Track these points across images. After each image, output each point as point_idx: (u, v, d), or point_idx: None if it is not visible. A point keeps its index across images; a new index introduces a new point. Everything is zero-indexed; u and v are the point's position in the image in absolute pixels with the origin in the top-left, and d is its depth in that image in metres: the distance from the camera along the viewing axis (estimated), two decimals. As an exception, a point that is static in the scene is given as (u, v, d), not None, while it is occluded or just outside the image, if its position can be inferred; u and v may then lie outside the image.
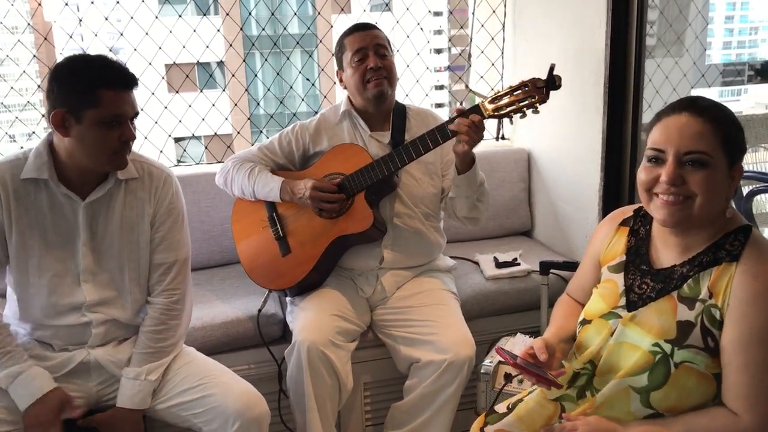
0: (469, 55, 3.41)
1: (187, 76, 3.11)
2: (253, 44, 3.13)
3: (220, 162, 3.05)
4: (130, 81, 1.78)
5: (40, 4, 3.11)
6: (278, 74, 3.32)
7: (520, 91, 2.05)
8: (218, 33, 3.14)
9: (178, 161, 3.75)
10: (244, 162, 2.37)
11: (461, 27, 3.72)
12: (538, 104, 2.04)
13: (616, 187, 2.58)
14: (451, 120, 2.09)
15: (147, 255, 1.94)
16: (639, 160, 2.51)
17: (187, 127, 3.08)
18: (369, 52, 2.27)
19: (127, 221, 1.90)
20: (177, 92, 3.00)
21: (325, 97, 3.45)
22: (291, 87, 3.32)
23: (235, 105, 3.48)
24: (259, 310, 2.34)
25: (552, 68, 2.02)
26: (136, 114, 1.82)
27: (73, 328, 1.88)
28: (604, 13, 2.43)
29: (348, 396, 2.23)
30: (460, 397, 2.20)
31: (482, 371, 2.20)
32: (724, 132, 1.36)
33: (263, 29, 3.14)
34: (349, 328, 2.24)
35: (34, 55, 3.05)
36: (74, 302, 1.87)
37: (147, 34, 2.93)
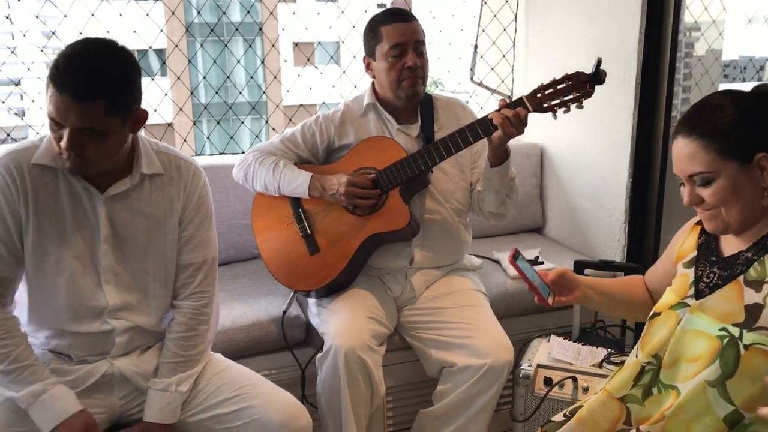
0: (476, 47, 3.32)
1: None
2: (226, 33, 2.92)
3: (223, 153, 2.88)
4: (77, 87, 1.46)
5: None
6: (215, 62, 3.04)
7: (563, 85, 1.97)
8: (155, 19, 2.91)
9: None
10: (267, 155, 2.21)
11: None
12: (583, 99, 1.96)
13: (645, 184, 2.52)
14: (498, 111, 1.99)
15: (174, 255, 1.77)
16: (670, 157, 2.47)
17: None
18: (408, 48, 2.13)
19: (153, 219, 1.73)
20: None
21: (264, 92, 3.26)
22: (228, 76, 3.11)
23: (193, 94, 3.26)
24: (284, 312, 2.20)
25: (599, 62, 1.93)
26: (86, 129, 1.49)
27: (94, 337, 1.71)
28: (638, 5, 2.37)
29: (379, 403, 2.12)
30: (494, 403, 2.11)
31: (521, 375, 2.12)
32: (720, 142, 1.35)
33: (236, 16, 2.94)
34: (381, 330, 2.13)
35: None
36: (95, 306, 1.69)
37: (65, 16, 2.69)
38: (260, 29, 3.31)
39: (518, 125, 1.96)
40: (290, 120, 2.91)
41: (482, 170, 2.21)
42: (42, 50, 2.93)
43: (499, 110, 1.99)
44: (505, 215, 2.25)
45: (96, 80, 1.47)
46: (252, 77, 3.12)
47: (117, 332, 1.72)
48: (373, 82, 2.26)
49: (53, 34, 2.76)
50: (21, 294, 1.71)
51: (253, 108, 3.16)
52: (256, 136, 2.97)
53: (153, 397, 1.70)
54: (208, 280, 1.82)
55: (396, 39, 2.13)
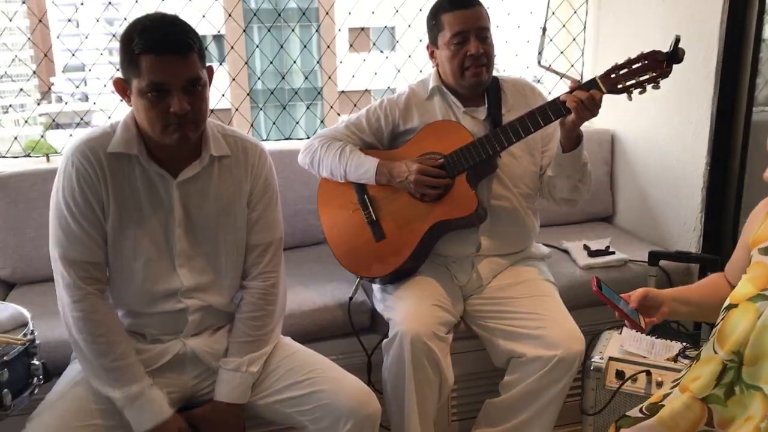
0: (544, 29, 3.23)
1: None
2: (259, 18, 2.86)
3: (289, 139, 2.89)
4: (177, 44, 1.51)
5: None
6: (282, 47, 3.02)
7: (639, 65, 1.90)
8: (214, 6, 2.87)
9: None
10: (333, 141, 2.21)
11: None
12: (660, 79, 1.88)
13: (724, 172, 2.41)
14: (569, 92, 1.93)
15: (244, 236, 1.79)
16: (752, 144, 2.36)
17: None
18: (470, 36, 2.07)
19: (223, 201, 1.75)
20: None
21: (329, 78, 3.23)
22: (294, 62, 3.09)
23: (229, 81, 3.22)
24: (350, 298, 2.20)
25: (677, 40, 1.85)
26: (192, 80, 1.54)
27: (168, 315, 1.74)
28: (722, -14, 2.26)
29: (449, 392, 2.09)
30: (563, 395, 2.06)
31: (592, 368, 2.07)
32: None
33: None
34: (448, 318, 2.10)
35: (29, 38, 2.82)
36: (170, 288, 1.72)
37: (137, 1, 2.69)
38: (324, 15, 3.29)
39: (592, 108, 1.90)
40: (355, 105, 2.90)
41: (553, 154, 2.15)
42: (114, 36, 2.96)
43: (571, 92, 1.93)
44: (578, 201, 2.19)
45: (185, 35, 1.54)
46: (318, 62, 3.11)
47: (190, 311, 1.75)
48: (437, 67, 2.23)
49: (125, 19, 2.79)
50: None
51: (319, 93, 3.14)
52: (322, 122, 2.97)
53: (224, 377, 1.73)
54: (275, 261, 1.84)
55: (457, 27, 2.07)
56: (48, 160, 2.67)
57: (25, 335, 1.66)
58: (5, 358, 1.55)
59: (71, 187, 1.63)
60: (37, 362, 1.66)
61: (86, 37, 2.69)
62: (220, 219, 1.75)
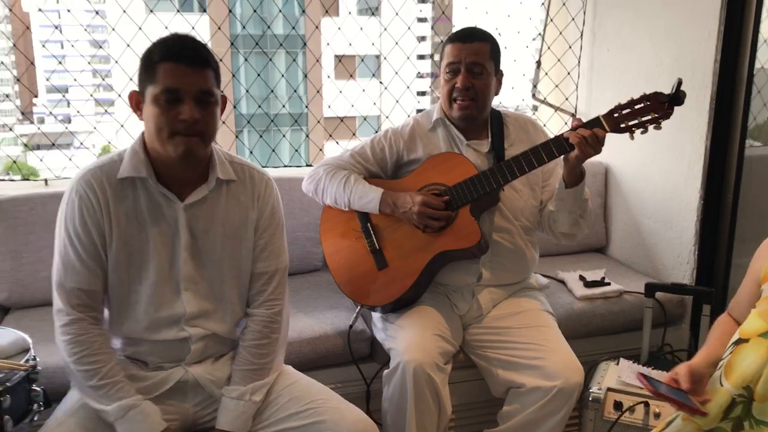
0: (539, 63, 3.30)
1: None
2: (257, 43, 2.91)
3: (288, 166, 2.91)
4: (194, 56, 1.58)
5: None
6: (283, 76, 3.05)
7: (641, 105, 1.94)
8: (204, 30, 2.88)
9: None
10: (338, 169, 2.23)
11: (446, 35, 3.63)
12: (661, 120, 1.93)
13: (717, 205, 2.46)
14: (572, 130, 1.97)
15: (249, 263, 1.80)
16: (745, 178, 2.42)
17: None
18: (461, 68, 2.12)
19: (229, 226, 1.76)
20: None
21: (329, 106, 3.27)
22: (295, 90, 3.13)
23: (234, 106, 3.23)
24: (350, 326, 2.20)
25: (680, 83, 1.90)
26: (205, 93, 1.59)
27: (170, 344, 1.73)
28: (715, 24, 2.32)
29: (447, 422, 2.09)
30: (561, 425, 2.07)
31: (591, 398, 2.08)
32: None
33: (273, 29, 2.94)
34: (448, 348, 2.11)
35: (14, 45, 2.82)
36: (174, 315, 1.72)
37: (140, 29, 2.65)
38: (305, 43, 3.33)
39: (595, 145, 1.94)
40: (354, 135, 2.93)
41: (554, 189, 2.18)
42: (89, 62, 2.96)
43: (574, 129, 1.97)
44: (577, 236, 2.22)
45: (206, 52, 1.61)
46: (318, 90, 3.14)
47: (193, 339, 1.74)
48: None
49: (100, 46, 2.78)
50: None
51: (318, 121, 3.17)
52: (320, 150, 2.99)
53: (227, 405, 1.72)
54: (281, 289, 1.84)
55: (451, 58, 2.13)
56: (46, 184, 2.66)
57: (27, 361, 1.65)
58: (8, 384, 1.54)
59: (73, 215, 1.65)
60: (37, 388, 1.65)
61: (60, 62, 2.70)
62: (225, 244, 1.76)
